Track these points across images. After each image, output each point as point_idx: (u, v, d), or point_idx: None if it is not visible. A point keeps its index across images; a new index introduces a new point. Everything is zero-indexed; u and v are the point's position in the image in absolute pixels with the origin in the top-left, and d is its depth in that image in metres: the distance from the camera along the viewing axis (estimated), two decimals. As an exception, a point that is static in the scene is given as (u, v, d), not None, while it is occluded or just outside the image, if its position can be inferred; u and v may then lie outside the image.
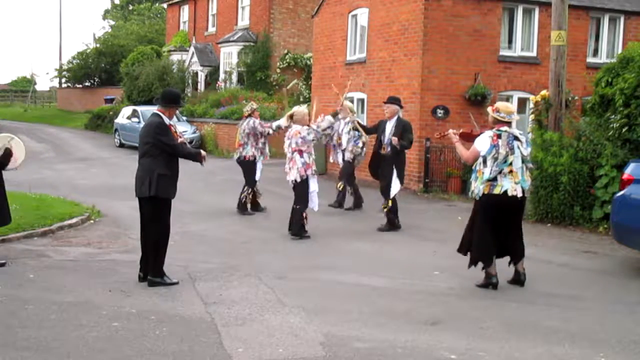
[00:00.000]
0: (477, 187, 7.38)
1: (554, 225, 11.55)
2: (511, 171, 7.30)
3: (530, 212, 11.72)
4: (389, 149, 10.66)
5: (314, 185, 10.13)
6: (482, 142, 7.38)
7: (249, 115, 12.23)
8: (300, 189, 10.06)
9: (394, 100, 11.03)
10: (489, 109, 7.61)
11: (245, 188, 12.17)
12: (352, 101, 18.66)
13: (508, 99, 16.33)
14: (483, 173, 7.31)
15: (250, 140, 12.07)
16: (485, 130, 7.63)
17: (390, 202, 10.83)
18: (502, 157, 7.25)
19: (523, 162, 7.40)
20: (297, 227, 10.07)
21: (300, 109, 10.37)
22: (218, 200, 13.63)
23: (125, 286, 7.30)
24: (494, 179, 7.26)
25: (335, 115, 10.61)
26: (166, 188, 7.29)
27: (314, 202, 10.23)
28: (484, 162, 7.31)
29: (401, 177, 10.82)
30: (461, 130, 8.12)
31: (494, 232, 7.41)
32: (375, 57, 17.40)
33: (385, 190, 10.83)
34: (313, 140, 10.13)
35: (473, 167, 7.58)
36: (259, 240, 9.99)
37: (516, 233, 7.57)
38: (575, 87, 15.36)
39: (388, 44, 16.78)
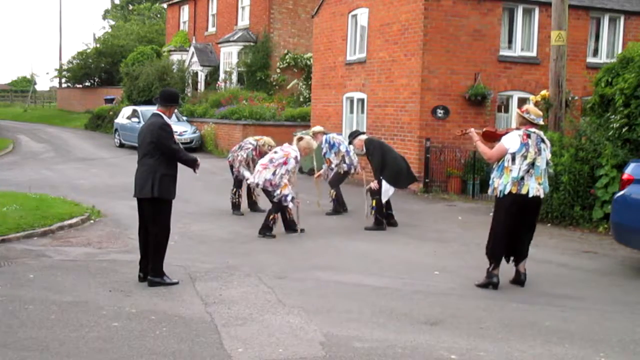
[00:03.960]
0: (503, 184, 7.40)
1: (554, 225, 11.55)
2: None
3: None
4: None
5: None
6: (511, 140, 7.40)
7: (263, 148, 12.05)
8: (268, 194, 10.24)
9: (353, 136, 11.69)
10: (518, 110, 7.72)
11: (233, 188, 12.36)
12: (352, 101, 18.71)
13: (508, 99, 16.37)
14: (511, 170, 7.34)
15: (236, 153, 12.29)
16: (511, 130, 7.67)
17: (374, 202, 10.94)
18: (532, 156, 7.30)
19: (547, 164, 7.48)
20: (263, 226, 10.17)
21: (313, 143, 10.65)
22: (218, 200, 13.63)
23: (125, 286, 7.29)
24: (522, 178, 7.31)
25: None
26: (168, 189, 7.29)
27: (288, 201, 10.28)
28: (513, 159, 7.35)
29: (390, 181, 10.92)
30: (485, 129, 8.13)
31: (511, 232, 7.44)
32: (375, 57, 17.40)
33: (372, 191, 11.04)
34: (287, 171, 10.19)
35: (494, 166, 7.59)
36: (259, 241, 9.99)
37: (530, 234, 7.63)
38: (575, 87, 15.37)
39: (388, 44, 16.78)
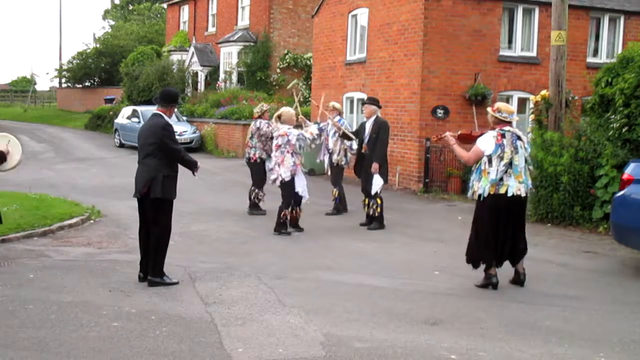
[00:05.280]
0: (482, 187, 7.35)
1: (554, 225, 11.55)
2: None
3: (530, 212, 11.70)
4: (368, 149, 10.83)
5: (300, 183, 10.27)
6: (486, 142, 7.36)
7: (259, 117, 12.22)
8: (287, 188, 10.21)
9: (371, 101, 11.30)
10: (489, 109, 7.60)
11: (253, 188, 12.20)
12: (351, 102, 18.71)
13: (508, 99, 16.35)
14: (489, 173, 7.29)
15: (256, 141, 12.11)
16: (486, 131, 7.63)
17: (378, 200, 10.87)
18: (508, 156, 7.26)
19: (525, 161, 7.42)
20: (277, 224, 10.30)
21: (288, 110, 10.64)
22: (218, 200, 13.64)
23: (125, 286, 7.29)
24: (501, 179, 7.27)
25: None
26: (170, 189, 7.30)
27: (305, 196, 10.39)
28: (489, 161, 7.30)
29: (383, 174, 10.84)
30: (460, 132, 8.05)
31: (498, 232, 7.40)
32: (375, 57, 17.40)
33: (366, 188, 10.91)
34: (301, 146, 10.28)
35: (474, 168, 7.56)
36: (259, 241, 9.99)
37: (520, 233, 7.57)
38: (575, 87, 15.36)
39: (388, 44, 16.78)
